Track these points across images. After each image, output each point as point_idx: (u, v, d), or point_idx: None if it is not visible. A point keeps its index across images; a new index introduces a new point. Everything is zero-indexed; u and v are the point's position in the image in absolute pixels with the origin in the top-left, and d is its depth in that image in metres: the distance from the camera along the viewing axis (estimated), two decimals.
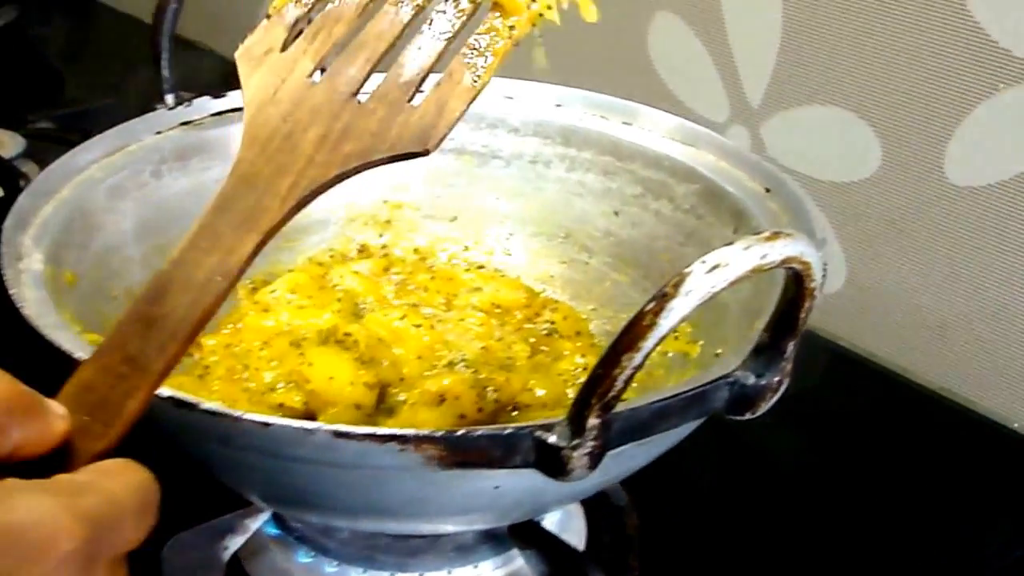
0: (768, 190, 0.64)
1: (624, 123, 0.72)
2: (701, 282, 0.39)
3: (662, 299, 0.39)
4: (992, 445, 0.78)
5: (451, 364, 0.64)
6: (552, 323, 0.69)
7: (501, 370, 0.63)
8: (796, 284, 0.43)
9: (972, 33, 0.73)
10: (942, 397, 0.82)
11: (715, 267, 0.39)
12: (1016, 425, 0.79)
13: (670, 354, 0.63)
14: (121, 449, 0.38)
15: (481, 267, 0.75)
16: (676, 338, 0.64)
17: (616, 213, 0.72)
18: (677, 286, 0.39)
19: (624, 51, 0.94)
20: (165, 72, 0.71)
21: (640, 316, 0.39)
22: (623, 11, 0.93)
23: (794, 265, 0.41)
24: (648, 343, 0.39)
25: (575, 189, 0.73)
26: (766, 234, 0.40)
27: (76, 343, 0.48)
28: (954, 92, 0.75)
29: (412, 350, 0.65)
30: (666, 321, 0.39)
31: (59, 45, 1.41)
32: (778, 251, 0.40)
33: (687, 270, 0.39)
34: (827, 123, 0.83)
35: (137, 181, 0.68)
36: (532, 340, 0.67)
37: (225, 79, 0.59)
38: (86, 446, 0.37)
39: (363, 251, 0.75)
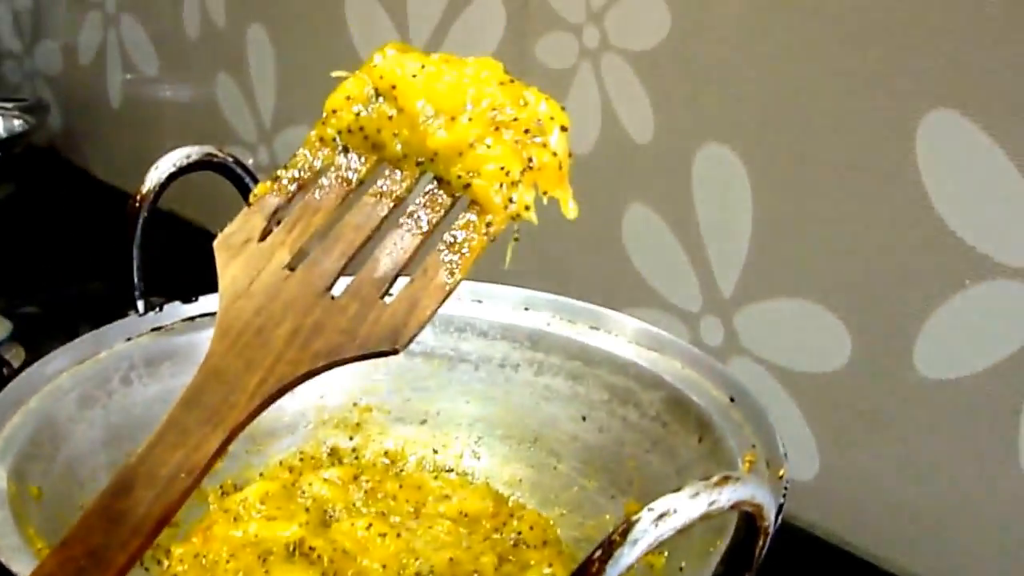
0: (732, 399, 0.65)
1: (591, 327, 0.73)
2: (648, 530, 0.39)
3: (609, 547, 0.39)
4: None
5: (418, 575, 0.63)
6: (519, 532, 0.68)
7: None
8: (748, 524, 0.43)
9: (937, 229, 0.74)
10: None
11: (663, 515, 0.39)
12: None
13: (636, 564, 0.63)
14: None
15: (450, 471, 0.75)
16: None
17: (584, 418, 0.72)
18: (624, 534, 0.39)
19: (600, 241, 0.95)
20: (136, 279, 0.71)
21: (587, 563, 0.39)
22: (597, 202, 0.95)
23: (745, 508, 0.41)
24: None
25: (543, 393, 0.73)
26: (715, 479, 0.40)
27: (32, 566, 0.48)
28: (922, 287, 0.77)
29: (378, 559, 0.64)
30: (613, 569, 0.39)
31: (52, 222, 1.43)
32: (727, 496, 0.40)
33: (635, 517, 0.39)
34: (798, 315, 0.84)
35: (106, 389, 0.68)
36: (499, 550, 0.67)
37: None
38: None
39: (333, 454, 0.75)
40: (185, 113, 1.41)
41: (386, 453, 0.76)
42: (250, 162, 1.27)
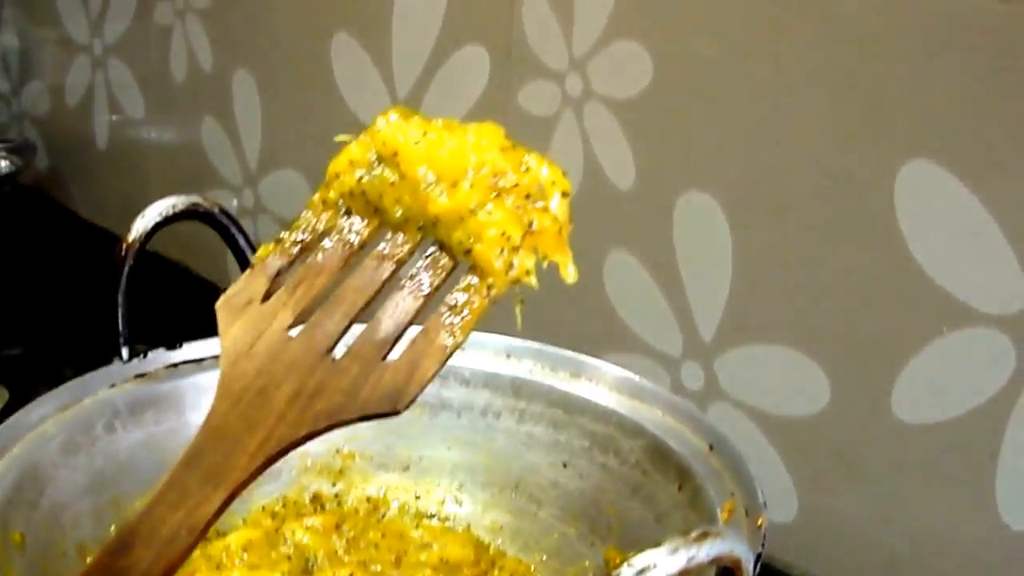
0: (712, 447, 0.65)
1: (572, 375, 0.74)
2: None
3: None
4: None
5: None
6: None
7: None
8: None
9: (915, 277, 0.76)
10: None
11: (643, 571, 0.40)
12: None
13: None
14: None
15: (432, 516, 0.75)
16: None
17: (565, 465, 0.72)
18: None
19: (582, 287, 0.95)
20: (120, 326, 0.72)
21: None
22: (580, 249, 0.95)
23: (724, 563, 0.42)
24: None
25: (525, 440, 0.74)
26: (694, 535, 0.41)
27: None
28: (900, 334, 0.78)
29: None
30: None
31: (38, 262, 1.43)
32: (705, 552, 0.41)
33: (615, 573, 0.40)
34: (776, 360, 0.85)
35: (90, 436, 0.68)
36: None
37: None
38: None
39: (316, 500, 0.76)
40: (170, 155, 1.42)
41: (368, 499, 0.76)
42: (234, 204, 1.27)
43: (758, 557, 0.54)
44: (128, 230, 0.71)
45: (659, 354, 0.92)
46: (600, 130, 0.92)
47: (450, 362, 0.74)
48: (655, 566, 0.40)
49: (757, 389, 0.87)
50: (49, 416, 0.67)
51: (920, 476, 0.79)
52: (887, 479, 0.81)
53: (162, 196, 0.73)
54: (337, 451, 0.76)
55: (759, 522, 0.57)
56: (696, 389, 0.90)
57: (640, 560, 0.40)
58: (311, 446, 0.74)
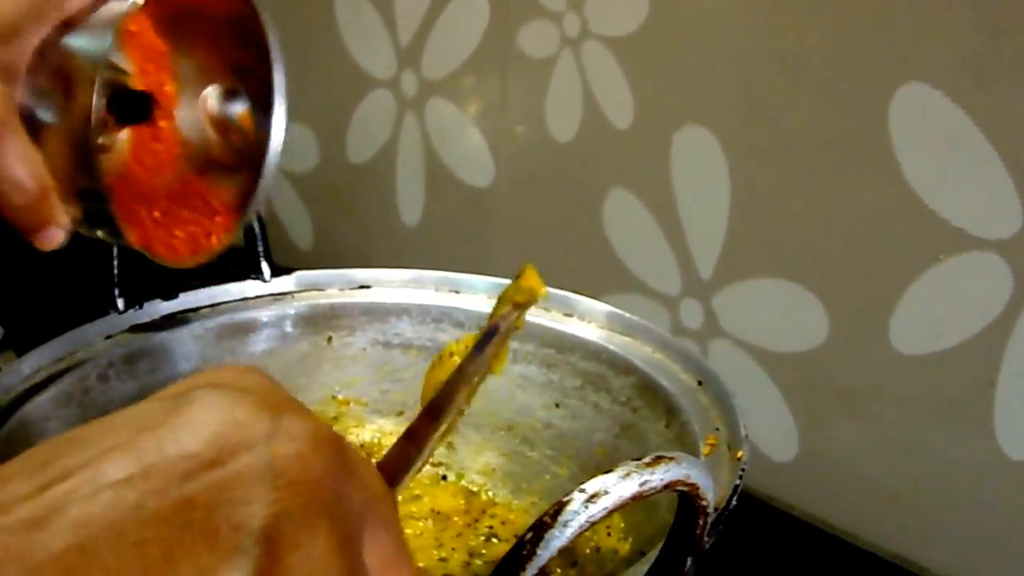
0: (700, 383, 0.65)
1: (565, 314, 0.73)
2: (579, 512, 0.39)
3: (540, 529, 0.39)
4: None
5: None
6: (491, 527, 0.69)
7: None
8: (686, 505, 0.43)
9: (910, 203, 0.75)
10: (896, 564, 0.81)
11: (594, 496, 0.39)
12: None
13: (601, 550, 0.63)
14: None
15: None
16: (609, 535, 0.64)
17: (557, 405, 0.72)
18: (555, 516, 0.39)
19: (581, 228, 0.95)
20: (116, 277, 0.72)
21: (520, 546, 0.39)
22: (580, 188, 0.95)
23: (680, 488, 0.41)
24: (528, 573, 0.39)
25: (518, 381, 0.73)
26: (647, 459, 0.40)
27: None
28: (896, 262, 0.77)
29: None
30: (545, 552, 0.39)
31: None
32: (659, 477, 0.40)
33: (566, 498, 0.39)
34: (775, 295, 0.84)
35: (83, 386, 0.68)
36: (471, 546, 0.67)
37: None
38: None
39: None
40: None
41: (363, 445, 0.76)
42: None
43: (735, 488, 0.53)
44: None
45: (658, 293, 0.92)
46: (598, 69, 0.91)
47: (444, 304, 0.75)
48: (607, 492, 0.39)
49: (756, 325, 0.87)
50: (42, 368, 0.67)
51: (920, 410, 0.78)
52: (887, 414, 0.80)
53: None
54: (332, 397, 0.76)
55: (739, 455, 0.56)
56: (696, 328, 0.89)
57: (592, 485, 0.39)
58: (306, 394, 0.75)
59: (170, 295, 0.74)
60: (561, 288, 0.74)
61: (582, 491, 0.39)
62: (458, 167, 1.07)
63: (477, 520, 0.70)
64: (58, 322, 0.72)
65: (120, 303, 0.72)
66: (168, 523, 0.28)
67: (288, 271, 0.78)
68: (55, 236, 0.57)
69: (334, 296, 0.77)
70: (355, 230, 1.22)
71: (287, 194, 1.28)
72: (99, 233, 0.59)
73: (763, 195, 0.83)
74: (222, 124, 0.66)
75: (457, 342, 0.57)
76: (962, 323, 0.74)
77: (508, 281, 0.75)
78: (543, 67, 0.95)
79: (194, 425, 0.31)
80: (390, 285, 0.77)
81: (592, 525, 0.39)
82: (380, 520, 0.34)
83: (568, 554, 0.66)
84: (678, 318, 0.90)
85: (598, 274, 0.95)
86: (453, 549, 0.68)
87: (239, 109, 0.66)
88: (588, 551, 0.65)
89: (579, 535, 0.39)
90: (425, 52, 1.06)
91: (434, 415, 0.51)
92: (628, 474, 0.40)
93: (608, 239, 0.94)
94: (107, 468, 0.29)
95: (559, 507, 0.39)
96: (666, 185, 0.88)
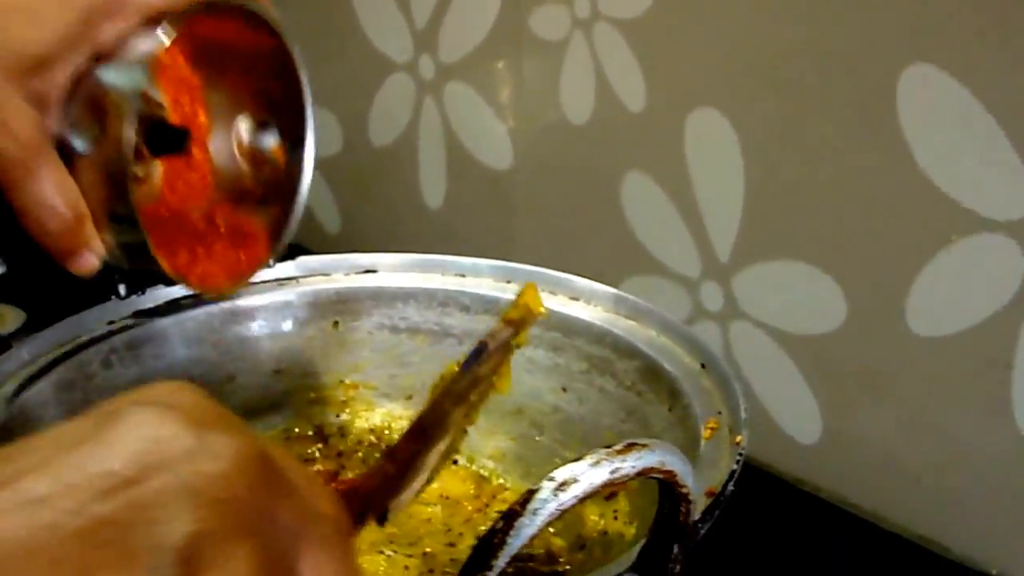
0: (703, 366, 0.64)
1: (571, 298, 0.72)
2: (549, 500, 0.38)
3: (510, 518, 0.38)
4: None
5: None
6: (500, 512, 0.68)
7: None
8: (665, 492, 0.42)
9: (921, 185, 0.73)
10: (920, 545, 0.80)
11: (563, 484, 0.38)
12: (995, 572, 0.77)
13: (608, 534, 0.63)
14: None
15: None
16: (616, 518, 0.63)
17: (564, 389, 0.71)
18: (524, 504, 0.38)
19: (601, 211, 0.95)
20: None
21: (491, 534, 0.38)
22: (596, 172, 0.94)
23: (655, 475, 0.40)
24: (500, 561, 0.38)
25: (525, 365, 0.72)
26: (618, 447, 0.39)
27: None
28: (909, 244, 0.75)
29: (360, 540, 0.64)
30: (516, 540, 0.38)
31: None
32: (631, 464, 0.39)
33: (536, 486, 0.38)
34: (793, 277, 0.83)
35: (85, 372, 0.68)
36: (479, 530, 0.67)
37: None
38: None
39: (320, 432, 0.75)
40: None
41: (372, 429, 0.75)
42: None
43: (731, 475, 0.52)
44: None
45: (679, 276, 0.90)
46: (610, 51, 0.90)
47: (450, 288, 0.75)
48: (576, 480, 0.38)
49: (776, 307, 0.85)
50: (44, 353, 0.67)
51: (938, 391, 0.77)
52: (907, 396, 0.79)
53: None
54: (340, 382, 0.76)
55: (737, 439, 0.55)
56: (716, 310, 0.88)
57: (561, 473, 0.38)
58: (315, 379, 0.75)
59: (172, 281, 0.74)
60: (584, 271, 0.74)
61: (551, 479, 0.39)
62: (477, 150, 1.06)
63: (487, 505, 0.70)
64: (61, 307, 0.71)
65: (122, 289, 0.72)
66: (84, 542, 0.27)
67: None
68: (89, 261, 0.59)
69: (339, 281, 0.76)
70: (381, 213, 1.22)
71: (314, 180, 1.27)
72: (133, 262, 0.60)
73: (777, 177, 0.82)
74: (253, 155, 0.67)
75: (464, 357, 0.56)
76: (976, 305, 0.73)
77: (513, 264, 0.75)
78: (556, 50, 0.94)
79: (117, 443, 0.30)
80: (395, 269, 0.77)
81: (563, 513, 0.38)
82: (321, 542, 0.33)
83: (576, 538, 0.66)
84: (699, 300, 0.89)
85: (620, 257, 0.94)
86: (461, 534, 0.67)
87: (270, 142, 0.66)
88: (596, 534, 0.64)
89: (550, 523, 0.38)
90: (441, 35, 1.05)
91: (418, 435, 0.50)
92: (598, 462, 0.39)
93: (628, 222, 0.93)
94: (26, 486, 0.28)
95: (528, 495, 0.38)
96: (681, 168, 0.87)
